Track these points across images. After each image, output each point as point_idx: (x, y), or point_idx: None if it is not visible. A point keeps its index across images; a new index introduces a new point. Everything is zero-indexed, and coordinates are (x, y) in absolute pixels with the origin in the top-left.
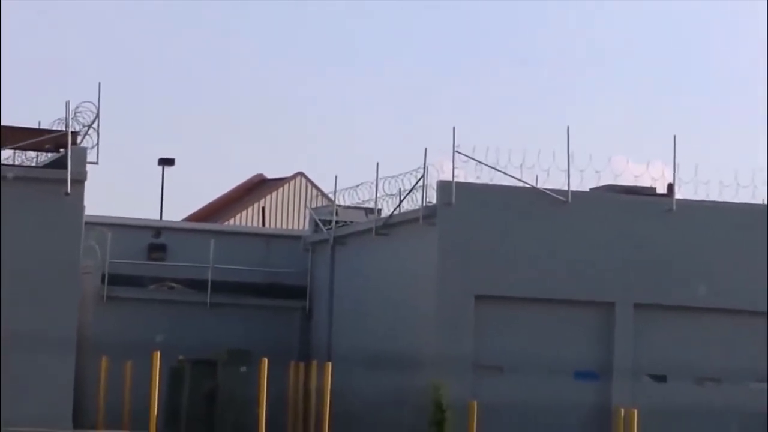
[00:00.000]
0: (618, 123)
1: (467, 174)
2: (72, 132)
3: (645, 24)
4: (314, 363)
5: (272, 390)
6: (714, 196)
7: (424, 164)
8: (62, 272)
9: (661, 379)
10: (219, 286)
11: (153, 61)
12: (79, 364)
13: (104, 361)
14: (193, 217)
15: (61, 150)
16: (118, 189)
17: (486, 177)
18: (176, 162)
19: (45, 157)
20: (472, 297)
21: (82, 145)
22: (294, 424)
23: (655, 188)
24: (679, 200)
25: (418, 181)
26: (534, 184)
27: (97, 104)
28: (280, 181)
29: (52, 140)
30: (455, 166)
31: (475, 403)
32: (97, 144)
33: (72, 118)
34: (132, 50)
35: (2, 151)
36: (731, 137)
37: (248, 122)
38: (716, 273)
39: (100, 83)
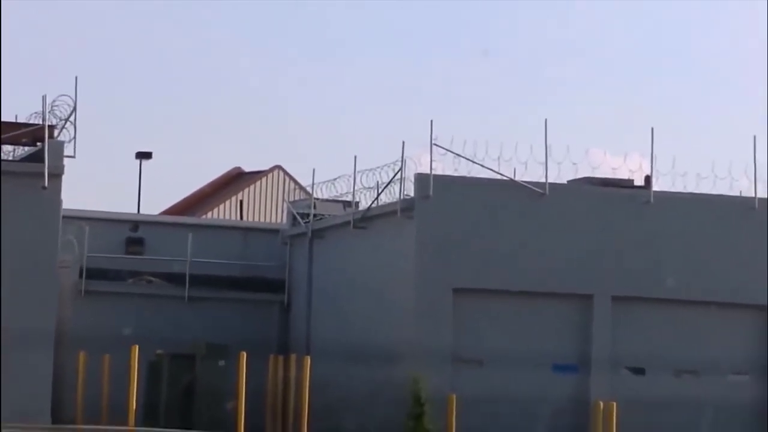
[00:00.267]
0: (595, 115)
1: (445, 167)
2: (49, 126)
3: (622, 16)
4: (293, 356)
5: (251, 384)
6: (691, 188)
7: (402, 157)
8: (40, 267)
9: (639, 371)
10: (197, 280)
11: (130, 55)
12: (57, 359)
13: (82, 356)
14: (170, 211)
15: (38, 144)
16: (95, 183)
17: (464, 170)
18: (154, 155)
19: (22, 150)
20: (450, 290)
21: (59, 138)
22: (273, 417)
23: (632, 180)
24: (656, 192)
25: (395, 174)
26: (512, 177)
27: (74, 98)
28: (257, 175)
29: (29, 134)
30: (433, 159)
31: (454, 396)
32: (75, 137)
33: (49, 112)
34: (109, 44)
35: None
36: (708, 129)
37: (226, 115)
38: (694, 265)
39: (77, 77)
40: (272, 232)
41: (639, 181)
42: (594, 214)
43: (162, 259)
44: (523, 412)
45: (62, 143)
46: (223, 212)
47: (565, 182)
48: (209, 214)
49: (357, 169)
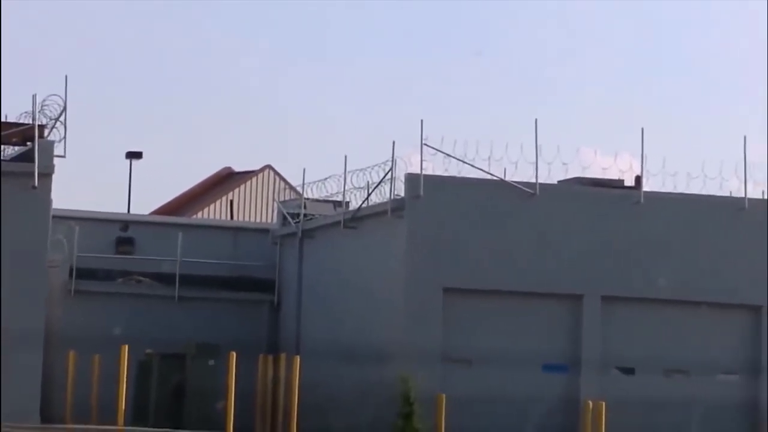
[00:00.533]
0: (586, 115)
1: (435, 167)
2: (39, 125)
3: (613, 17)
4: (283, 356)
5: (241, 383)
6: (682, 188)
7: (393, 157)
8: (29, 266)
9: (629, 371)
10: (187, 280)
11: (120, 54)
12: (46, 358)
13: (72, 355)
14: (160, 211)
15: (28, 143)
16: (85, 182)
17: (454, 170)
18: (144, 155)
19: (12, 150)
20: (440, 290)
21: (49, 138)
22: (262, 417)
23: (622, 180)
24: (647, 192)
25: (386, 174)
26: (502, 177)
27: (64, 97)
28: (247, 174)
29: (19, 133)
30: (423, 158)
31: (444, 395)
32: (65, 137)
33: (39, 112)
34: (98, 44)
35: None
36: (699, 129)
37: (216, 115)
38: (684, 265)
39: (66, 76)
40: (262, 232)
41: (629, 181)
42: (584, 214)
43: (152, 259)
44: (512, 412)
45: (52, 143)
46: (214, 212)
47: (556, 182)
48: (199, 214)
49: (347, 169)
